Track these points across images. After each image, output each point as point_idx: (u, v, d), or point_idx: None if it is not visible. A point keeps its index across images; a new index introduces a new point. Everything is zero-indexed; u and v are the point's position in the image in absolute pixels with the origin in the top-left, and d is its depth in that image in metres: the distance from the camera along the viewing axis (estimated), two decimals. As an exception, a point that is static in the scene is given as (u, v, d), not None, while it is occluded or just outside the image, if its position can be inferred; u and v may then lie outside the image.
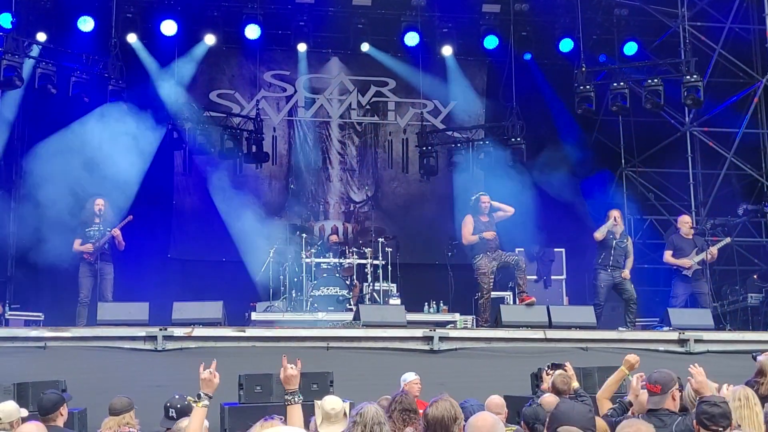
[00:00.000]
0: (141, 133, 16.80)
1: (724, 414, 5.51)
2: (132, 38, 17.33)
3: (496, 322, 12.85)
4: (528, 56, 18.96)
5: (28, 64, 14.92)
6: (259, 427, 4.97)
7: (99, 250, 13.41)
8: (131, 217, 13.74)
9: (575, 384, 8.43)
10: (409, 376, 9.73)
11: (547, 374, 8.67)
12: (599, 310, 13.41)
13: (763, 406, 6.16)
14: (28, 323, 14.23)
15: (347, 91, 19.81)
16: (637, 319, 14.04)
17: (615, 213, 14.14)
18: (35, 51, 15.30)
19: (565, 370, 8.51)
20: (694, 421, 5.64)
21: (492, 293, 13.89)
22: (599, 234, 13.87)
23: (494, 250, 13.49)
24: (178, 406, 6.92)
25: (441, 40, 18.79)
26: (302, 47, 18.53)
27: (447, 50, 18.89)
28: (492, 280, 13.49)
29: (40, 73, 14.92)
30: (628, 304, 13.71)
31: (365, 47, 18.85)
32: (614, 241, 13.80)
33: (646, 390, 6.42)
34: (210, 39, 18.09)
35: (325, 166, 19.62)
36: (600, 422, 5.60)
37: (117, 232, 13.48)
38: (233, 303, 14.10)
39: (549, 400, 6.91)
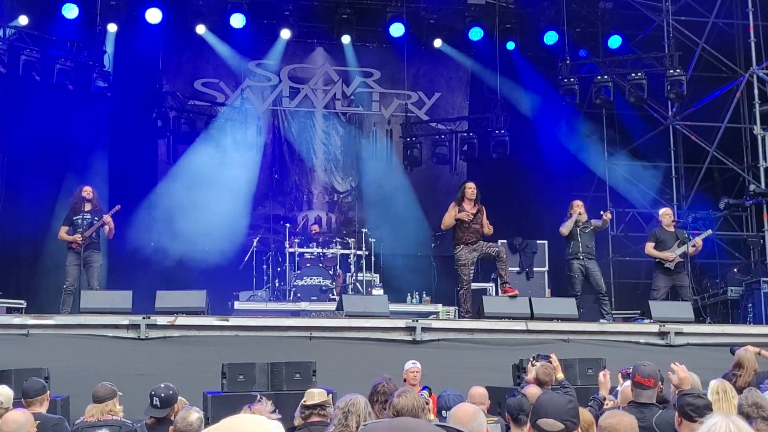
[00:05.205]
0: (126, 122, 16.78)
1: (708, 406, 5.57)
2: (116, 26, 17.20)
3: (479, 313, 12.86)
4: (512, 45, 18.90)
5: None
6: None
7: (87, 239, 13.27)
8: (119, 206, 13.54)
9: (560, 375, 8.47)
10: (408, 365, 9.76)
11: (532, 365, 8.71)
12: (577, 301, 13.41)
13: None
14: (10, 310, 14.15)
15: (332, 82, 19.78)
16: (618, 312, 14.06)
17: (577, 205, 14.09)
18: (19, 37, 15.21)
19: (550, 362, 8.56)
20: (677, 413, 5.70)
21: (474, 284, 13.86)
22: (565, 229, 13.84)
23: (475, 241, 13.39)
24: (162, 395, 6.92)
25: (426, 31, 18.81)
26: (286, 34, 18.42)
27: (437, 42, 18.91)
28: (472, 271, 13.40)
29: (24, 59, 14.84)
30: (598, 297, 13.69)
31: (346, 40, 18.79)
32: (578, 229, 13.80)
33: (630, 382, 6.45)
34: (195, 27, 18.02)
35: (309, 156, 19.60)
36: (585, 414, 5.65)
37: (109, 219, 13.21)
38: (216, 292, 14.08)
39: (533, 391, 6.93)
